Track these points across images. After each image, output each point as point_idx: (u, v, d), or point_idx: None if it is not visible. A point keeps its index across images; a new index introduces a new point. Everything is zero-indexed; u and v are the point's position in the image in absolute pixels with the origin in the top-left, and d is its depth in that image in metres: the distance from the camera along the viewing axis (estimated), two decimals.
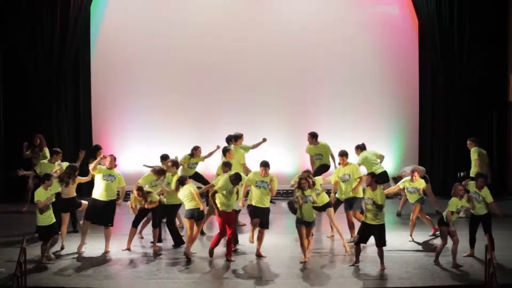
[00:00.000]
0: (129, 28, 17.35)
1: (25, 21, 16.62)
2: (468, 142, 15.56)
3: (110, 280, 11.22)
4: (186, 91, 17.49)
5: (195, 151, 14.82)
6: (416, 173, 13.31)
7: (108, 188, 12.64)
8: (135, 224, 12.84)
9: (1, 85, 17.03)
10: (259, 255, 12.28)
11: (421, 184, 13.34)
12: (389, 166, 16.46)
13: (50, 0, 16.66)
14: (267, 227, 12.48)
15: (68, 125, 17.20)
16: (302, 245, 11.94)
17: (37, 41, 16.69)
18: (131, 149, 17.08)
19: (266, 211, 12.48)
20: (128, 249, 12.66)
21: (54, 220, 11.99)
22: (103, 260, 12.17)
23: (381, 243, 11.67)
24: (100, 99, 17.42)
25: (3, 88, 17.04)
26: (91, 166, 12.79)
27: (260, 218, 12.36)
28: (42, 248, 11.89)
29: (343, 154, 13.48)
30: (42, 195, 11.83)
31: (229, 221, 12.16)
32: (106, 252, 12.55)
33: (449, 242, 11.89)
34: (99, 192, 12.67)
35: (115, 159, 13.06)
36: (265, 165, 12.48)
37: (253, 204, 12.46)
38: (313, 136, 15.78)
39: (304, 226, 11.89)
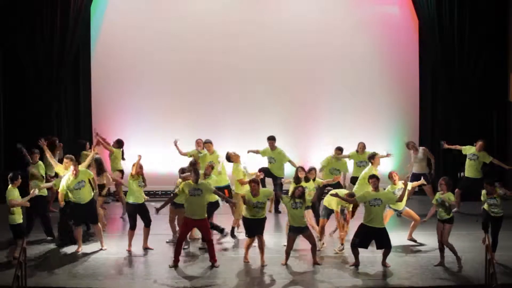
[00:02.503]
0: (129, 28, 17.36)
1: (25, 21, 16.63)
2: (480, 143, 15.19)
3: (110, 280, 11.20)
4: (186, 91, 17.51)
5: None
6: (394, 174, 13.10)
7: (82, 194, 12.48)
8: (132, 226, 12.70)
9: (1, 85, 17.03)
10: (263, 265, 11.85)
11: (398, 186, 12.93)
12: (389, 166, 16.43)
13: (50, 0, 16.67)
14: (261, 233, 12.13)
15: (68, 125, 17.21)
16: (286, 251, 11.86)
17: (37, 41, 16.70)
18: (131, 149, 17.00)
19: (261, 221, 12.02)
20: (129, 250, 12.63)
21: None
22: (103, 260, 12.16)
23: (387, 245, 11.69)
24: (100, 99, 17.43)
25: (3, 88, 17.05)
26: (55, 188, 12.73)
27: (255, 229, 11.99)
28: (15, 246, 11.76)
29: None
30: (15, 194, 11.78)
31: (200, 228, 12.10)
32: (103, 249, 12.55)
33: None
34: (75, 198, 12.54)
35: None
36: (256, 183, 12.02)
37: (247, 216, 12.04)
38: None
39: (294, 233, 11.79)
